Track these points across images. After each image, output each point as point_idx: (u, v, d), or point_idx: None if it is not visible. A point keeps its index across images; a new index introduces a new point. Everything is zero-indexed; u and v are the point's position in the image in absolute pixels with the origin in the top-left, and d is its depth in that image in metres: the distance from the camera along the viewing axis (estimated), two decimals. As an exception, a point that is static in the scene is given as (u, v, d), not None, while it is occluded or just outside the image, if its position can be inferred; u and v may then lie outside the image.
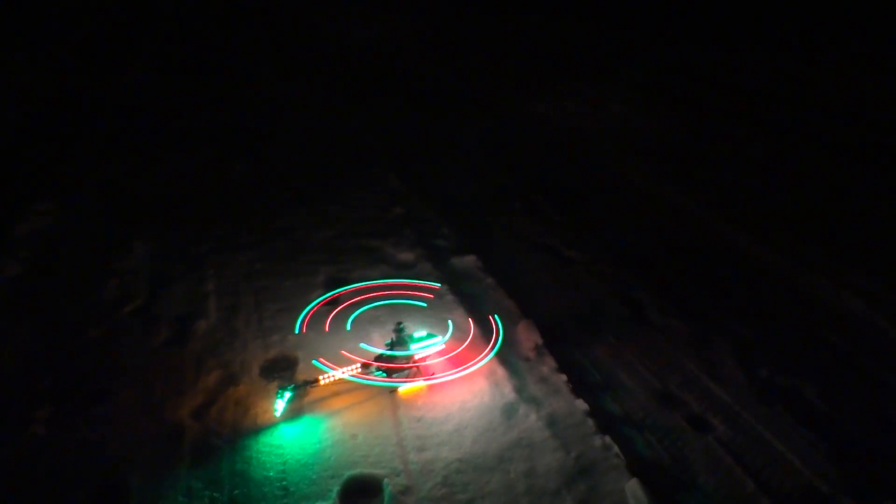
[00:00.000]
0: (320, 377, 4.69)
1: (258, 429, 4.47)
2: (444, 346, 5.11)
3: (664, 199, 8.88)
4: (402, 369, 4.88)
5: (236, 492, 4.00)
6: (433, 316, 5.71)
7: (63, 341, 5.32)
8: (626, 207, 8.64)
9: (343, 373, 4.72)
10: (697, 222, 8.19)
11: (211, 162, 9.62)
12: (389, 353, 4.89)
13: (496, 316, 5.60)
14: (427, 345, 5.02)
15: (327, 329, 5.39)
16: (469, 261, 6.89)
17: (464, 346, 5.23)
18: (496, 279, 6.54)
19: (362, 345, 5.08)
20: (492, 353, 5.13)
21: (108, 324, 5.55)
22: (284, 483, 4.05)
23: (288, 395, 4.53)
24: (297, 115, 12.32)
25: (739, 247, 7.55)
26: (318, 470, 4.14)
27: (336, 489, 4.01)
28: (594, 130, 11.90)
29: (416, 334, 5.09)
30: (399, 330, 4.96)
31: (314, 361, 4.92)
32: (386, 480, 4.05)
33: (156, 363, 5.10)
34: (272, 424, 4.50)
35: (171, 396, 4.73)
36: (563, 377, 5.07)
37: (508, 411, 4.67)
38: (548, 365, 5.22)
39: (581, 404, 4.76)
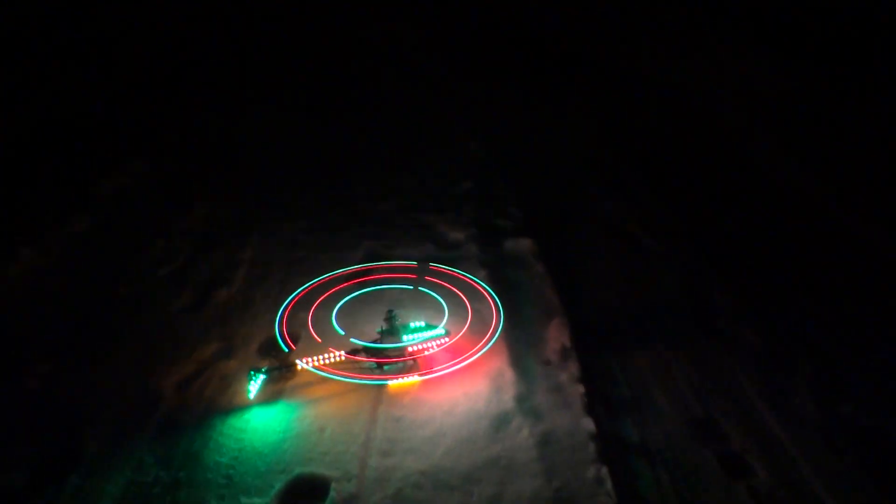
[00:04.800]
0: (298, 362, 4.37)
1: (230, 409, 4.25)
2: (446, 340, 4.55)
3: (785, 183, 7.48)
4: (396, 362, 4.42)
5: (182, 473, 3.81)
6: (423, 300, 5.24)
7: (93, 297, 5.46)
8: (735, 190, 7.40)
9: (322, 362, 4.36)
10: (820, 214, 6.79)
11: (301, 123, 9.61)
12: (377, 345, 4.44)
13: (496, 297, 5.02)
14: (423, 337, 4.50)
15: (319, 340, 4.81)
16: (524, 244, 6.20)
17: (459, 335, 4.66)
18: (548, 267, 5.82)
19: (353, 339, 4.63)
20: (489, 345, 4.52)
21: (140, 284, 5.63)
22: (231, 472, 3.79)
23: (261, 377, 4.26)
24: (400, 80, 11.99)
25: (868, 249, 6.12)
26: (270, 462, 3.84)
27: (278, 487, 3.68)
28: (717, 95, 10.39)
29: (413, 324, 4.58)
30: (390, 318, 4.48)
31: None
32: (333, 485, 3.65)
33: (165, 328, 5.07)
34: (245, 406, 4.26)
35: (164, 364, 4.66)
36: (581, 389, 4.34)
37: (499, 422, 4.06)
38: (569, 372, 4.50)
39: (588, 424, 4.03)
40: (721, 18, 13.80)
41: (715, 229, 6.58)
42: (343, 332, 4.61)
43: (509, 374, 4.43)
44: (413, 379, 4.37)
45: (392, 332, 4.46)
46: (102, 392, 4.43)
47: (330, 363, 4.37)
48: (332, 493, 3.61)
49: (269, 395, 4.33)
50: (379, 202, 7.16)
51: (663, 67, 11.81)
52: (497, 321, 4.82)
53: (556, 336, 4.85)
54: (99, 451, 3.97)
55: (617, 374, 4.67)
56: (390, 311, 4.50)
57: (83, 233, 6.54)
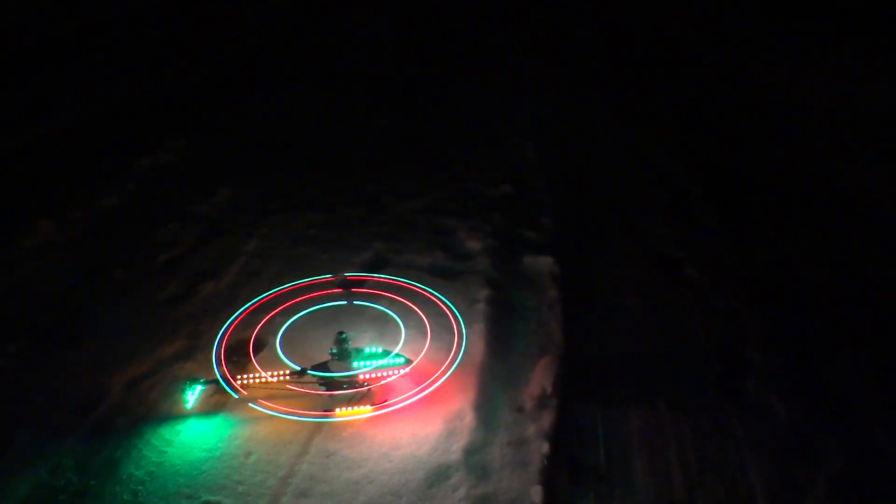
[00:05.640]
0: (239, 377, 4.06)
1: (166, 417, 4.02)
2: (406, 370, 4.09)
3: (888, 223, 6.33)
4: (347, 387, 4.03)
5: (93, 482, 3.62)
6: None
7: (90, 278, 5.45)
8: (821, 229, 6.30)
9: (265, 379, 4.03)
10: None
11: (354, 111, 9.34)
12: (322, 373, 4.04)
13: (459, 316, 4.57)
14: (377, 364, 4.06)
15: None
16: (544, 263, 5.58)
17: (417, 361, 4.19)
18: (563, 292, 5.20)
19: (311, 372, 4.22)
20: (444, 377, 4.04)
21: (136, 269, 5.57)
22: (140, 489, 3.55)
23: (198, 388, 4.00)
24: (471, 71, 11.43)
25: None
26: (181, 484, 3.56)
27: (178, 515, 3.40)
28: (835, 113, 9.05)
29: (369, 349, 4.14)
30: (340, 341, 4.06)
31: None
32: (230, 522, 3.32)
33: (140, 320, 4.94)
34: (181, 416, 4.01)
35: (122, 360, 4.51)
36: (546, 447, 3.76)
37: (437, 476, 3.57)
38: (539, 424, 3.92)
39: (536, 493, 3.45)
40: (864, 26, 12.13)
41: (781, 272, 5.61)
42: (299, 368, 4.20)
43: (469, 419, 3.91)
44: (362, 409, 3.94)
45: (343, 356, 4.04)
46: (54, 383, 4.33)
47: (275, 382, 4.02)
48: (226, 532, 3.27)
49: (212, 407, 4.07)
50: (405, 200, 6.76)
51: (777, 73, 10.51)
52: (457, 349, 4.29)
53: (541, 377, 4.26)
54: (26, 445, 3.86)
55: (598, 432, 4.01)
56: (340, 334, 4.08)
57: (108, 208, 6.60)
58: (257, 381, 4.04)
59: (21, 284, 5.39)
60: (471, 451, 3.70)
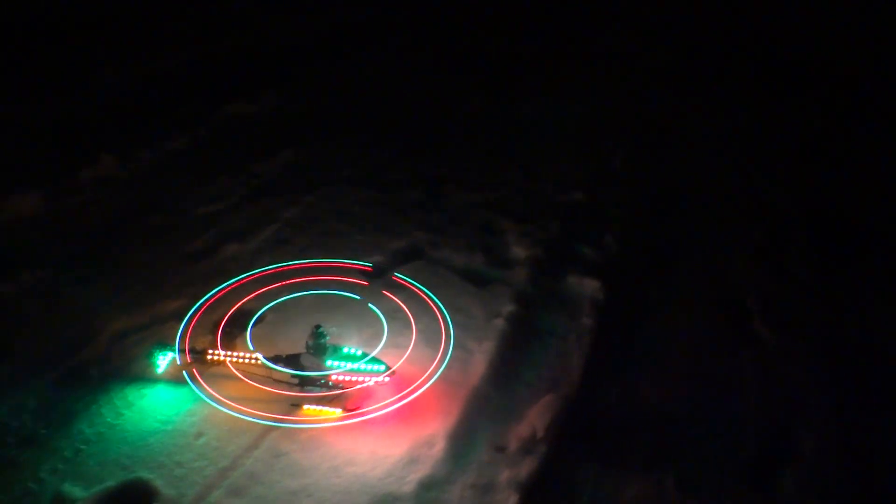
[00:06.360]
0: (210, 352, 3.84)
1: (137, 377, 3.89)
2: (384, 380, 3.71)
3: None
4: (322, 383, 3.71)
5: (43, 431, 3.56)
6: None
7: (126, 219, 5.47)
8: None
9: (228, 357, 3.78)
10: None
11: (443, 91, 8.96)
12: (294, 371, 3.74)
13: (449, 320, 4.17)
14: (353, 367, 3.70)
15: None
16: (589, 287, 5.00)
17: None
18: (599, 324, 4.62)
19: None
20: (414, 395, 3.65)
21: (173, 218, 5.59)
22: (83, 448, 3.46)
23: (169, 355, 3.82)
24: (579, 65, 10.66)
25: None
26: (123, 452, 3.43)
27: (109, 484, 3.24)
28: None
29: (347, 349, 3.78)
30: (316, 335, 3.72)
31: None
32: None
33: (156, 269, 4.89)
34: (151, 379, 3.87)
35: (123, 307, 4.46)
36: (514, 499, 3.27)
37: (380, 505, 3.18)
38: (515, 471, 3.43)
39: (481, 555, 2.98)
40: None
41: (871, 352, 4.69)
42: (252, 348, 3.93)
43: (439, 447, 3.49)
44: (331, 412, 3.62)
45: (317, 351, 3.71)
46: (50, 319, 4.33)
47: (242, 363, 3.77)
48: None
49: (182, 377, 3.87)
50: (466, 191, 6.33)
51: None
52: (439, 362, 3.86)
53: (536, 417, 3.75)
54: (1, 379, 3.85)
55: (583, 497, 3.44)
56: (317, 327, 3.74)
57: (174, 152, 6.67)
58: (226, 358, 3.79)
59: (63, 213, 5.52)
60: (428, 486, 3.28)
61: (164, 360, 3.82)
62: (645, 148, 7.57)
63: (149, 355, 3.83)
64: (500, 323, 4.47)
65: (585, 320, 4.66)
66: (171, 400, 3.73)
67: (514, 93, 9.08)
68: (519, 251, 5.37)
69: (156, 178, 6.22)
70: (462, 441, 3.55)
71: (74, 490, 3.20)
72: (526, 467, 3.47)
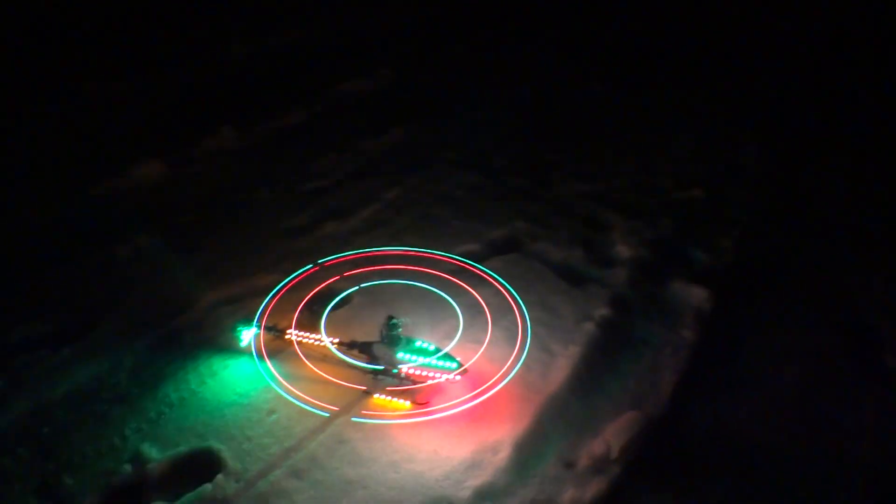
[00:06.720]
0: (287, 331, 3.90)
1: (225, 347, 4.04)
2: (454, 378, 3.60)
3: None
4: (392, 377, 3.68)
5: (134, 391, 3.78)
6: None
7: (237, 190, 5.71)
8: None
9: (304, 338, 3.84)
10: None
11: (569, 72, 8.58)
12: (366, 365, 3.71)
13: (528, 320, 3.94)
14: (425, 363, 3.61)
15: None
16: (696, 295, 4.59)
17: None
18: (703, 339, 4.23)
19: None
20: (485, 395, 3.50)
21: (280, 192, 5.77)
22: (165, 411, 3.64)
23: (253, 329, 3.93)
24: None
25: None
26: (200, 420, 3.56)
27: (181, 450, 3.39)
28: None
29: (420, 342, 3.70)
30: (390, 326, 3.65)
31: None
32: (218, 478, 3.21)
33: (258, 242, 5.07)
34: (236, 351, 4.00)
35: (222, 278, 4.65)
36: (573, 520, 3.07)
37: (431, 507, 3.10)
38: (581, 492, 3.24)
39: (530, 577, 2.83)
40: None
41: None
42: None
43: (504, 454, 3.34)
44: (400, 403, 3.58)
45: (391, 342, 3.66)
46: (154, 283, 4.59)
47: (317, 345, 3.82)
48: (209, 486, 3.17)
49: (267, 352, 3.97)
50: (576, 180, 6.04)
51: None
52: (513, 367, 3.68)
53: (614, 434, 3.49)
54: (105, 334, 4.14)
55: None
56: (391, 318, 3.67)
57: (290, 127, 6.87)
58: (302, 339, 3.85)
59: (180, 182, 5.83)
60: (485, 494, 3.15)
61: (247, 334, 3.93)
62: (781, 144, 6.81)
63: (233, 328, 3.95)
64: (590, 327, 4.20)
65: (686, 332, 4.28)
66: (251, 374, 3.83)
67: (638, 78, 8.51)
68: (623, 249, 5.03)
69: (269, 152, 6.44)
70: (529, 450, 3.38)
71: (152, 451, 3.36)
72: (592, 489, 3.24)
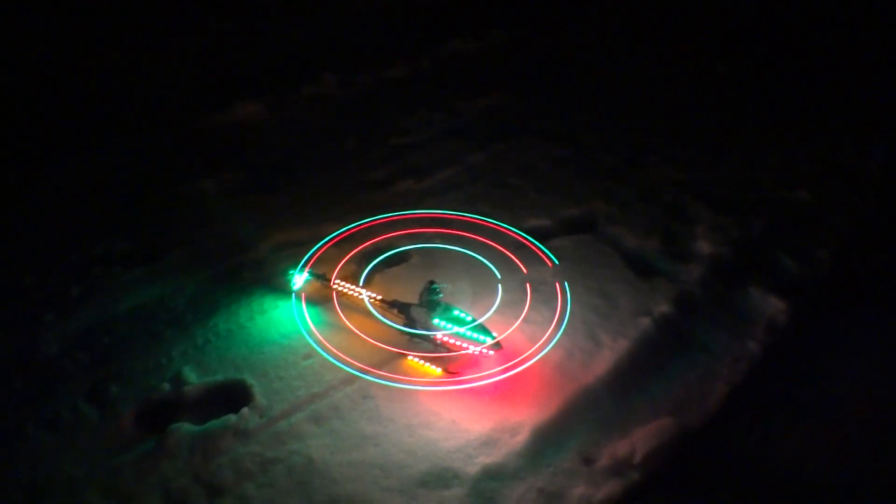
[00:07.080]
0: (335, 281, 3.98)
1: (277, 288, 4.19)
2: (486, 351, 3.55)
3: None
4: (429, 342, 3.69)
5: (188, 316, 4.00)
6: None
7: (327, 137, 5.84)
8: None
9: (350, 290, 3.90)
10: None
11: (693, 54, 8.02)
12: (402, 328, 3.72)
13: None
14: (459, 332, 3.58)
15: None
16: (772, 306, 4.24)
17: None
18: (769, 355, 3.92)
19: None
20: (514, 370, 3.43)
21: (366, 145, 5.87)
22: (212, 339, 3.82)
23: (305, 274, 4.05)
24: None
25: None
26: (240, 355, 3.71)
27: (219, 378, 3.58)
28: None
29: (457, 311, 3.65)
30: (431, 290, 3.62)
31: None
32: (244, 410, 3.36)
33: (335, 192, 5.20)
34: (287, 293, 4.13)
35: (292, 221, 4.82)
36: (581, 519, 2.98)
37: (436, 477, 3.09)
38: (592, 490, 3.12)
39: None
40: None
41: None
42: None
43: (522, 437, 3.27)
44: (432, 369, 3.58)
45: (429, 306, 3.64)
46: (230, 220, 4.82)
47: (355, 297, 3.88)
48: (233, 417, 3.33)
49: (316, 298, 4.09)
50: (670, 166, 5.70)
51: None
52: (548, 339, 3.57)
53: (643, 438, 3.33)
54: (178, 260, 4.43)
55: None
56: (432, 283, 3.64)
57: (393, 79, 7.01)
58: (350, 291, 3.91)
59: (276, 124, 6.03)
60: (493, 475, 3.10)
61: (299, 279, 4.04)
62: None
63: (286, 272, 4.08)
64: (645, 322, 3.98)
65: (751, 344, 3.96)
66: (295, 317, 3.94)
67: (764, 66, 7.81)
68: (703, 245, 4.71)
69: (366, 103, 6.51)
70: (549, 439, 3.28)
71: (191, 375, 3.56)
72: (606, 490, 3.10)
